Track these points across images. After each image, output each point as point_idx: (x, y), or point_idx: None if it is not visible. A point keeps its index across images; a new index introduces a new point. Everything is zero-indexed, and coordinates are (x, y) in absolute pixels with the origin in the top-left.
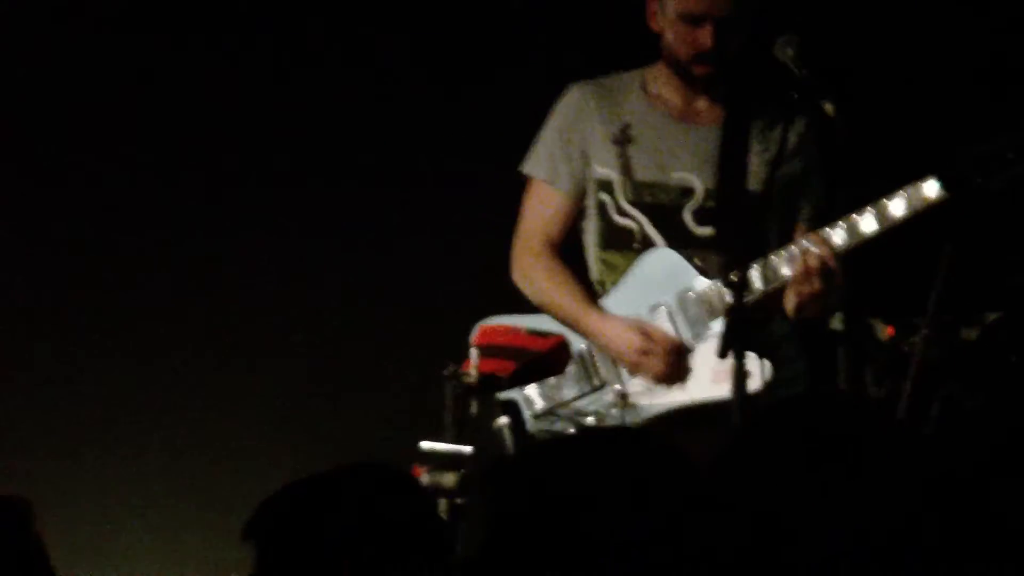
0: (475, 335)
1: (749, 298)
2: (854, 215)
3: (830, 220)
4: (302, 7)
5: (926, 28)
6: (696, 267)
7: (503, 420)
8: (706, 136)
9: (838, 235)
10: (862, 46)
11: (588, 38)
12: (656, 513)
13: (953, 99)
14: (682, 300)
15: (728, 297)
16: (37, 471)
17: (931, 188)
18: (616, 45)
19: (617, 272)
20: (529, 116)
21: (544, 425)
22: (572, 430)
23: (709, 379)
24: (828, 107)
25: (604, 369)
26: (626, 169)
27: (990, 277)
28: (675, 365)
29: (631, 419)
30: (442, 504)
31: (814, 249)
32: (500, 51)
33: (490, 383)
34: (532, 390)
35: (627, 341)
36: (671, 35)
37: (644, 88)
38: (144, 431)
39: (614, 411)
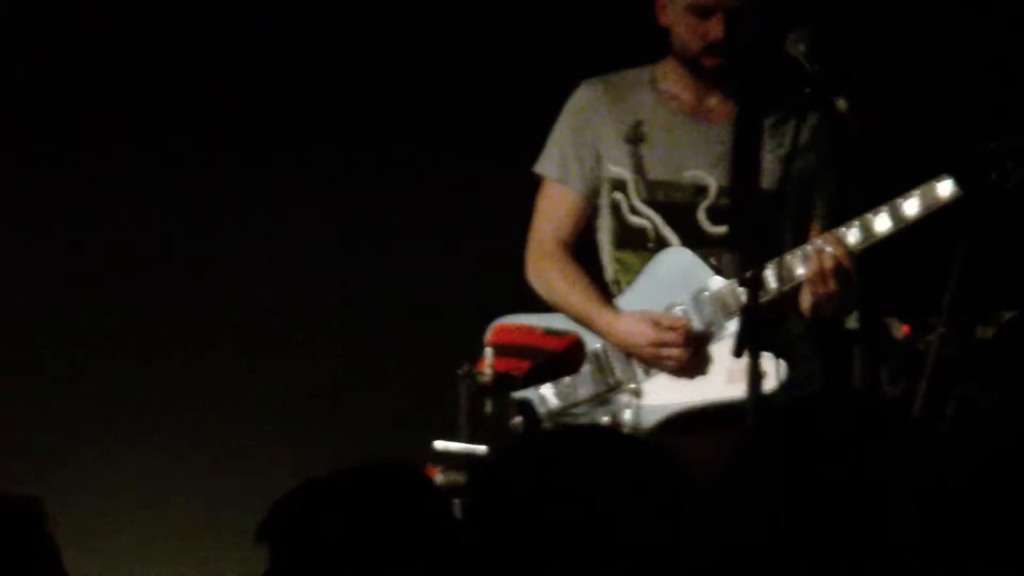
0: (490, 334)
1: (764, 298)
2: (868, 214)
3: (844, 219)
4: (302, 7)
5: (939, 24)
6: (711, 266)
7: (518, 419)
8: (719, 133)
9: (853, 235)
10: (875, 42)
11: (592, 35)
12: (641, 512)
13: (967, 96)
14: (697, 300)
15: (743, 296)
16: (43, 471)
17: (946, 187)
18: (620, 42)
19: (632, 271)
20: (540, 114)
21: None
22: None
23: (724, 379)
24: (840, 103)
25: (619, 369)
26: (639, 168)
27: (1006, 275)
28: (692, 353)
29: (645, 419)
30: (456, 504)
31: (829, 249)
32: (506, 48)
33: (505, 382)
34: (547, 389)
35: (641, 334)
36: (681, 28)
37: (655, 85)
38: (154, 431)
39: (628, 411)
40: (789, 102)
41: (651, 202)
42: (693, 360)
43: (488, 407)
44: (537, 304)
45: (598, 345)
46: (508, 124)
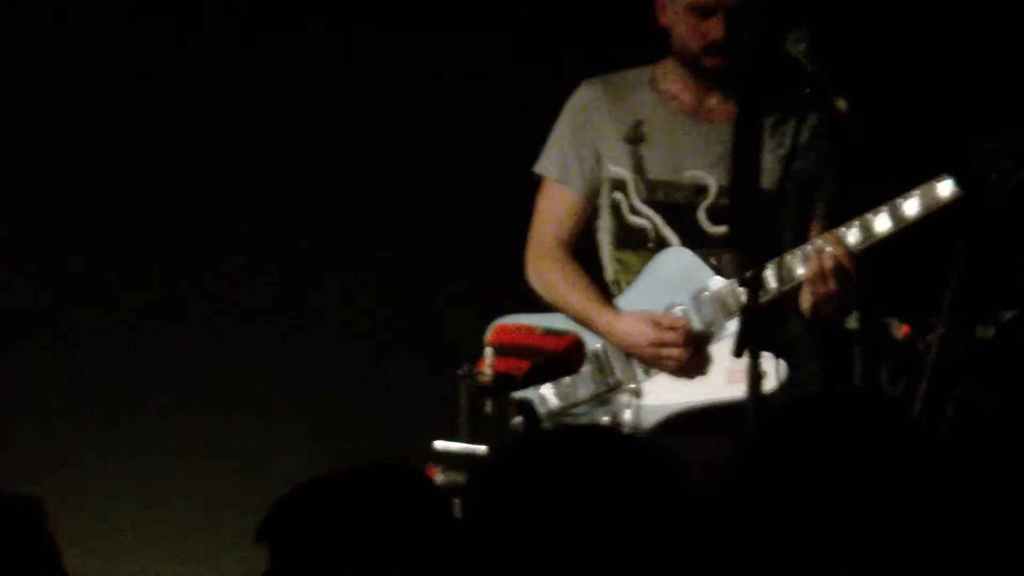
0: (490, 334)
1: (764, 298)
2: (868, 214)
3: (844, 219)
4: (302, 7)
5: (939, 23)
6: (711, 266)
7: (518, 420)
8: (719, 134)
9: (853, 235)
10: (874, 42)
11: (592, 34)
12: (640, 512)
13: (967, 96)
14: (697, 300)
15: (743, 296)
16: (43, 471)
17: (946, 187)
18: (620, 42)
19: (632, 271)
20: (540, 114)
21: (559, 423)
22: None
23: (724, 379)
24: (840, 103)
25: (619, 368)
26: (639, 168)
27: (1006, 275)
28: (692, 353)
29: (645, 419)
30: (457, 504)
31: (829, 249)
32: (507, 48)
33: (505, 382)
34: (547, 389)
35: (641, 333)
36: (681, 28)
37: (655, 85)
38: (154, 430)
39: (628, 411)
40: (789, 102)
41: (651, 202)
42: (693, 360)
43: (488, 407)
44: (536, 304)
45: (598, 345)
46: (508, 124)
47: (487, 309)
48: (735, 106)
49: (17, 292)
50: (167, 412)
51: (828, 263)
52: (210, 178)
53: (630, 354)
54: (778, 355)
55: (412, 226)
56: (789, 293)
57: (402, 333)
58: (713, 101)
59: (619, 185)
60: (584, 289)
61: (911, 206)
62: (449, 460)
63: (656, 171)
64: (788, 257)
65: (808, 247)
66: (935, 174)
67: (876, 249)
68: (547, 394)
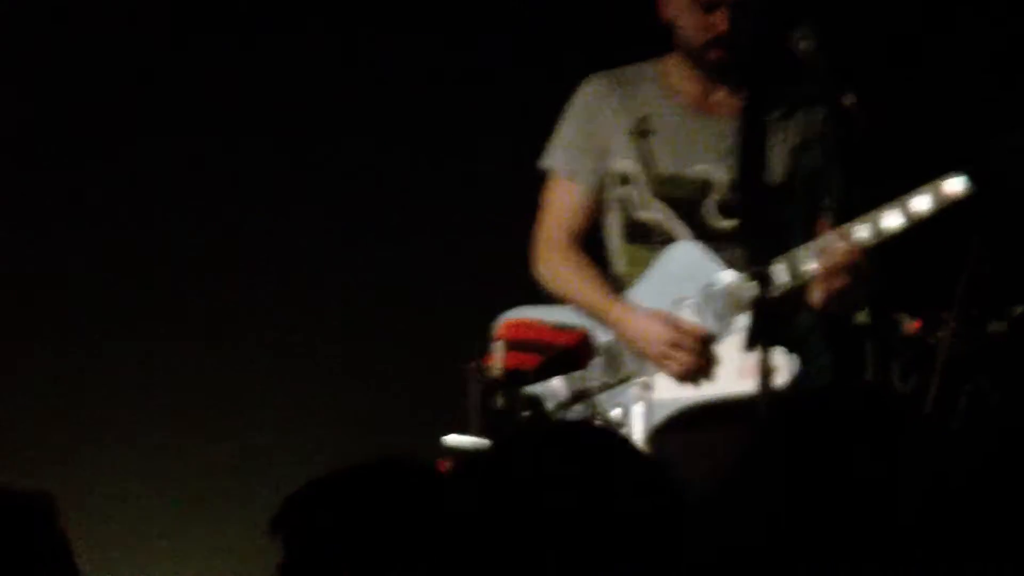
0: (499, 329)
1: (774, 292)
2: (880, 210)
3: (852, 215)
4: (302, 7)
5: (948, 19)
6: (721, 261)
7: (528, 414)
8: (725, 128)
9: (864, 230)
10: (882, 37)
11: (593, 33)
12: (636, 512)
13: (976, 92)
14: (707, 294)
15: (753, 291)
16: (50, 469)
17: (957, 183)
18: (621, 38)
19: (641, 266)
20: (541, 111)
21: (569, 415)
22: (596, 423)
23: (735, 374)
24: (847, 99)
25: (630, 362)
26: (646, 162)
27: (1017, 270)
28: (702, 359)
29: (656, 413)
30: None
31: (840, 245)
32: (508, 47)
33: (515, 377)
34: (557, 382)
35: (655, 334)
36: (684, 22)
37: (661, 79)
38: (155, 430)
39: (639, 404)
40: (795, 96)
41: (659, 196)
42: (701, 366)
43: (498, 402)
44: (543, 299)
45: (609, 337)
46: (508, 124)
47: (497, 304)
48: (741, 100)
49: (17, 292)
50: (167, 412)
51: (839, 259)
52: (210, 178)
53: (640, 351)
54: (789, 350)
55: (412, 225)
56: (799, 288)
57: (412, 328)
58: (719, 95)
59: (627, 180)
60: (595, 283)
61: (922, 203)
62: (460, 455)
63: (664, 165)
64: (799, 252)
65: (819, 242)
66: (944, 171)
67: (887, 245)
68: (557, 387)
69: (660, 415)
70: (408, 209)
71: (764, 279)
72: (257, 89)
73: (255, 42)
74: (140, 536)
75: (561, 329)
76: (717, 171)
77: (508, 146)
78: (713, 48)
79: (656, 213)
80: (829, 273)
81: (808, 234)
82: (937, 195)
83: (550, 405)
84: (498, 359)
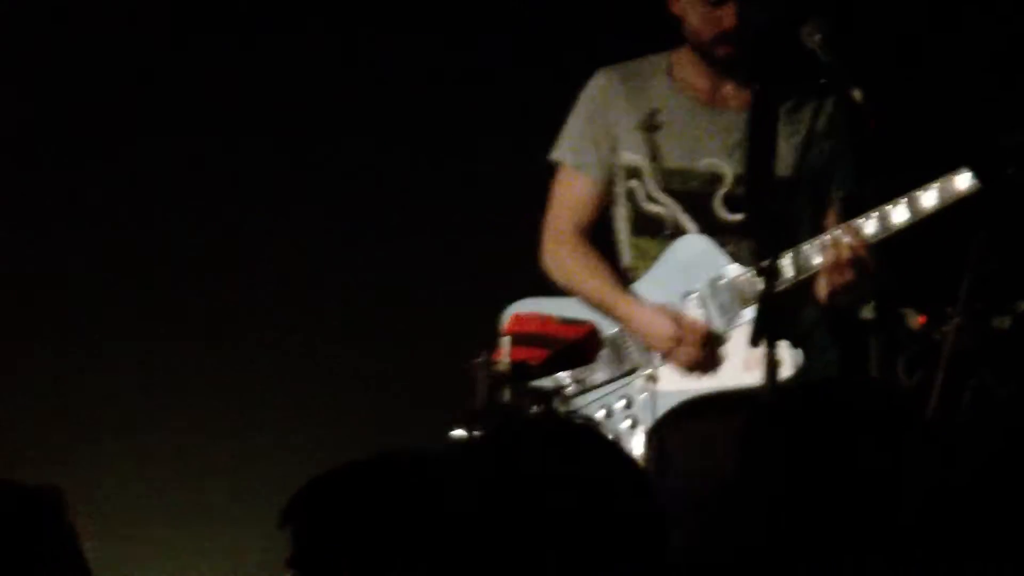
0: (506, 323)
1: (780, 286)
2: (886, 205)
3: (860, 209)
4: (302, 7)
5: (958, 14)
6: (727, 254)
7: (534, 408)
8: (734, 121)
9: (870, 225)
10: (892, 32)
11: (593, 31)
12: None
13: (983, 88)
14: (714, 287)
15: (759, 284)
16: (44, 471)
17: (963, 180)
18: (618, 40)
19: (649, 258)
20: (539, 113)
21: (574, 407)
22: (601, 413)
23: (740, 366)
24: (856, 94)
25: (636, 354)
26: (655, 155)
27: (1022, 266)
28: (707, 354)
29: (661, 404)
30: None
31: (846, 239)
32: (509, 45)
33: (522, 371)
34: (563, 373)
35: (660, 328)
36: (693, 17)
37: (670, 73)
38: (155, 430)
39: (644, 395)
40: (805, 90)
41: (667, 190)
42: (706, 360)
43: (505, 396)
44: (550, 292)
45: (615, 330)
46: (508, 124)
47: (505, 298)
48: (750, 94)
49: (17, 292)
50: (167, 412)
51: (845, 253)
52: (210, 178)
53: (646, 343)
54: (794, 344)
55: (413, 225)
56: (805, 282)
57: (411, 327)
58: (728, 89)
59: (635, 173)
60: (603, 275)
61: (929, 198)
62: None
63: (672, 159)
64: (805, 246)
65: (825, 237)
66: (951, 166)
67: (893, 240)
68: (563, 379)
69: (665, 406)
70: (408, 208)
71: (770, 273)
72: (257, 89)
73: (255, 42)
74: (140, 536)
75: (568, 323)
76: (725, 165)
77: (508, 145)
78: (721, 44)
79: (664, 206)
80: (835, 267)
81: (815, 228)
82: (943, 191)
83: (556, 396)
84: (505, 353)
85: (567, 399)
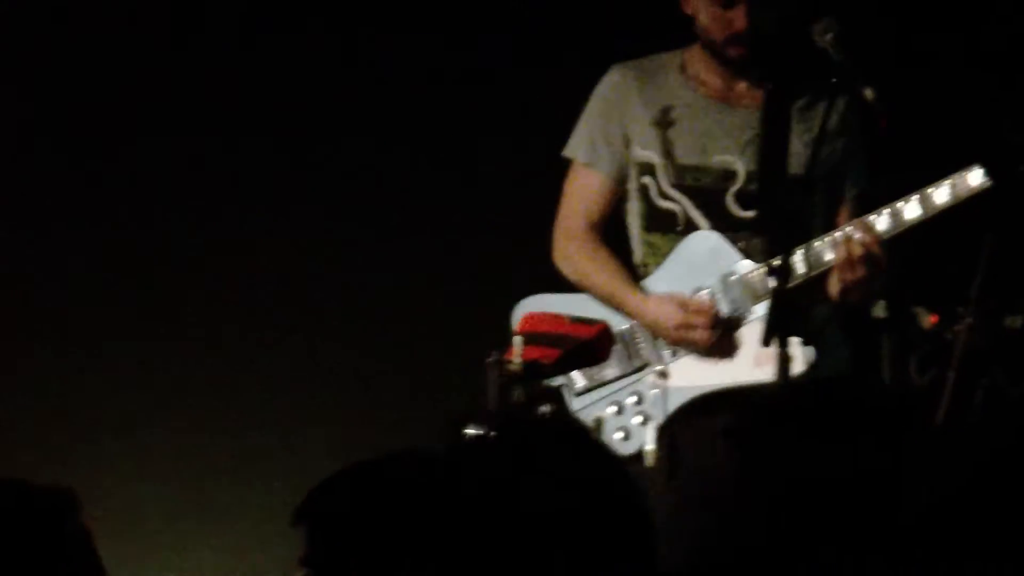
0: (518, 323)
1: (792, 283)
2: (898, 202)
3: (872, 206)
4: (302, 7)
5: (969, 12)
6: (739, 250)
7: (547, 408)
8: (747, 118)
9: (882, 222)
10: (903, 31)
11: (595, 30)
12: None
13: (995, 86)
14: (725, 283)
15: (771, 281)
16: (44, 471)
17: (975, 176)
18: (618, 40)
19: (661, 254)
20: (539, 113)
21: (586, 403)
22: (612, 409)
23: (751, 362)
24: (868, 93)
25: (646, 350)
26: (668, 152)
27: None
28: (717, 334)
29: (672, 400)
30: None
31: (858, 236)
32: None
33: (534, 370)
34: (575, 373)
35: (668, 314)
36: (704, 17)
37: (683, 70)
38: (154, 430)
39: (655, 391)
40: (817, 88)
41: (680, 186)
42: (719, 344)
43: (517, 395)
44: (562, 288)
45: (625, 326)
46: (508, 124)
47: (517, 296)
48: (763, 92)
49: (17, 292)
50: (167, 412)
51: (857, 250)
52: (210, 178)
53: (657, 335)
54: (806, 342)
55: (413, 225)
56: (817, 279)
57: (432, 321)
58: (741, 86)
59: (648, 169)
60: (613, 271)
61: (941, 194)
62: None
63: (685, 155)
64: (817, 243)
65: (837, 233)
66: (962, 164)
67: (905, 238)
68: (575, 375)
69: (675, 402)
70: (409, 209)
71: (782, 269)
72: (257, 89)
73: (255, 42)
74: (140, 536)
75: (580, 322)
76: (738, 161)
77: (508, 145)
78: (733, 45)
79: (676, 202)
80: (847, 264)
81: (828, 226)
82: (955, 187)
83: (567, 393)
84: (517, 353)
85: (575, 396)
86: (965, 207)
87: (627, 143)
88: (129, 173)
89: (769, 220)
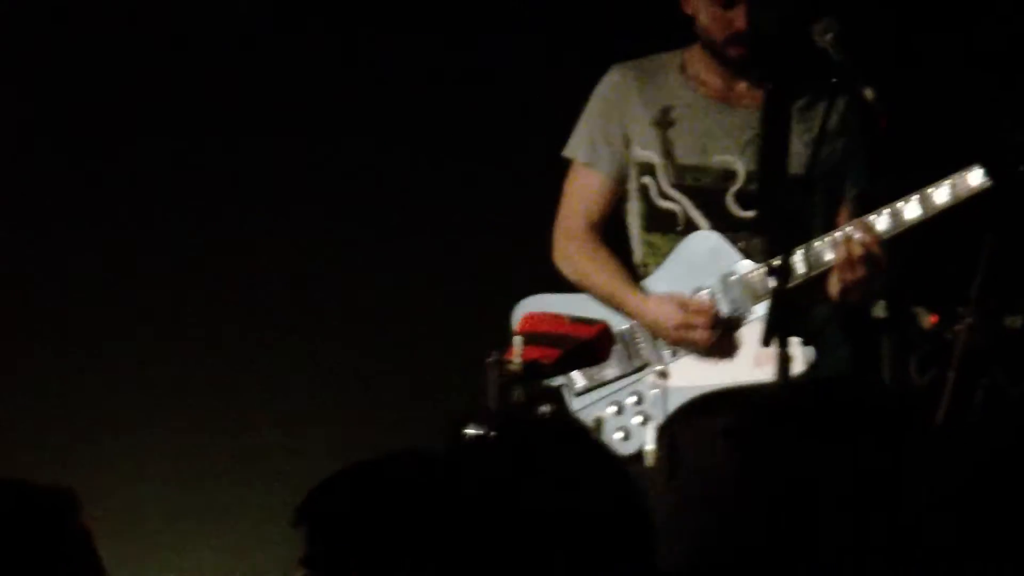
0: (518, 323)
1: (792, 283)
2: (898, 202)
3: (873, 206)
4: (302, 7)
5: (969, 12)
6: (739, 250)
7: (547, 408)
8: (747, 118)
9: (882, 222)
10: (903, 31)
11: (596, 29)
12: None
13: (995, 86)
14: (725, 283)
15: (771, 281)
16: (44, 470)
17: (975, 176)
18: (618, 40)
19: (660, 254)
20: (539, 113)
21: (586, 403)
22: (612, 409)
23: (751, 362)
24: (868, 93)
25: (646, 350)
26: (668, 152)
27: None
28: (718, 335)
29: (671, 400)
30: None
31: (858, 236)
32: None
33: (534, 370)
34: (575, 373)
35: (668, 314)
36: (704, 17)
37: (683, 70)
38: (154, 430)
39: (655, 391)
40: (817, 88)
41: (680, 186)
42: (719, 344)
43: (517, 395)
44: (562, 288)
45: (625, 326)
46: (508, 124)
47: (517, 297)
48: (763, 92)
49: (17, 292)
50: (167, 412)
51: (857, 250)
52: (210, 178)
53: (657, 335)
54: (806, 342)
55: (413, 225)
56: (817, 279)
57: (432, 321)
58: (741, 87)
59: (648, 169)
60: (613, 271)
61: (941, 195)
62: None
63: (685, 155)
64: (817, 243)
65: (837, 233)
66: (962, 164)
67: (905, 238)
68: (575, 375)
69: (675, 402)
70: (409, 209)
71: (782, 269)
72: (257, 89)
73: (255, 42)
74: (140, 536)
75: (580, 322)
76: (738, 161)
77: (508, 145)
78: (733, 45)
79: (676, 202)
80: (847, 264)
81: (828, 226)
82: (955, 187)
83: (567, 393)
84: (517, 353)
85: (575, 396)
86: (965, 207)
87: (627, 143)
88: (129, 173)
89: (769, 220)
